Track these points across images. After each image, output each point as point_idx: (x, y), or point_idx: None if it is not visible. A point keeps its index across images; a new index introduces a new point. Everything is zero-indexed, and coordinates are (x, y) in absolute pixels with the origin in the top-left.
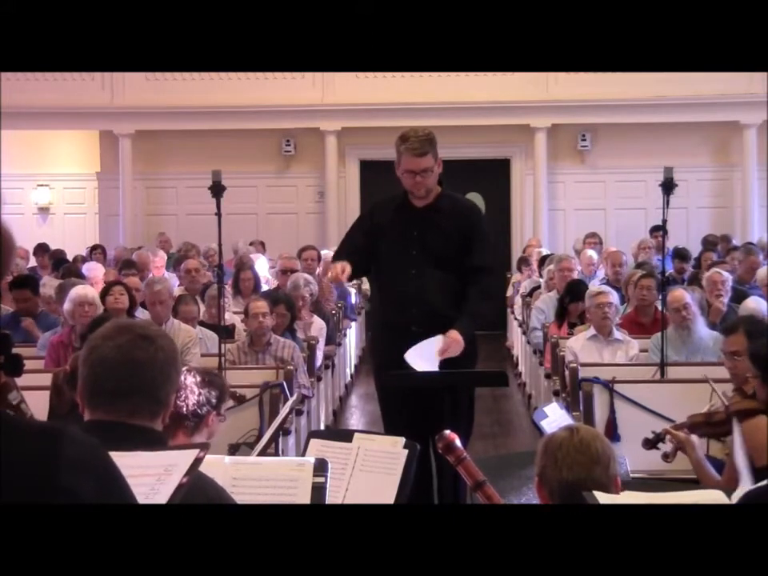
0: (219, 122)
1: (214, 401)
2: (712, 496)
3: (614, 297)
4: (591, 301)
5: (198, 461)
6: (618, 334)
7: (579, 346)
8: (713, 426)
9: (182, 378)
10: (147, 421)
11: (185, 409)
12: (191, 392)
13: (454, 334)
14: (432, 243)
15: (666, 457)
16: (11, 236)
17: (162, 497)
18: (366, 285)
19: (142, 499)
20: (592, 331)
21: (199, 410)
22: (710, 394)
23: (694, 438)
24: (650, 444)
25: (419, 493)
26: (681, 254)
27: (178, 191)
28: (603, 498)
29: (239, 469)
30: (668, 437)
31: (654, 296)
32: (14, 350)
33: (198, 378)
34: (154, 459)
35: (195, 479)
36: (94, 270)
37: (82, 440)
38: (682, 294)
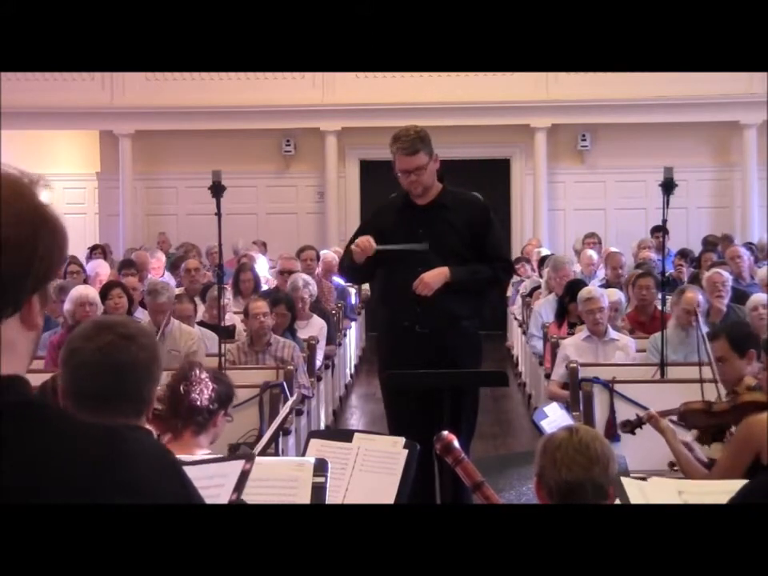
0: (219, 122)
1: (224, 398)
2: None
3: (605, 301)
4: (582, 306)
5: (244, 474)
6: (613, 333)
7: (573, 347)
8: (713, 415)
9: (196, 372)
10: (132, 419)
11: (199, 402)
12: (206, 386)
13: (442, 267)
14: (440, 240)
15: (625, 426)
16: (66, 234)
17: None
18: (365, 285)
19: None
20: (586, 332)
21: (212, 406)
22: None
23: (681, 429)
24: (630, 426)
25: (422, 494)
26: (683, 253)
27: (178, 191)
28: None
29: None
30: (649, 422)
31: (653, 295)
32: None
33: (210, 375)
34: (200, 472)
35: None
36: (99, 267)
37: (144, 437)
38: (696, 299)
